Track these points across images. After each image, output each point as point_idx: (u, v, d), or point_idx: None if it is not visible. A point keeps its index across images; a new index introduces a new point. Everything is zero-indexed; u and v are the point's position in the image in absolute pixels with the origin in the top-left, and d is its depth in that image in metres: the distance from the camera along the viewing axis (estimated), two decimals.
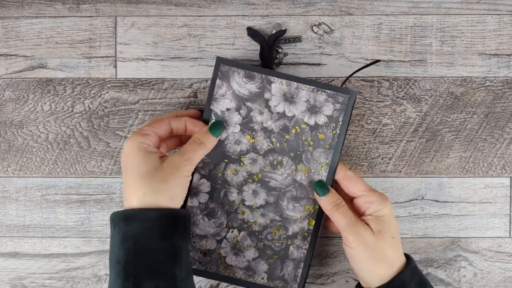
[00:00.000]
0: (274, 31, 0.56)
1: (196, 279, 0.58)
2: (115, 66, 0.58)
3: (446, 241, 0.58)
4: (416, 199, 0.58)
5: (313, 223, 0.53)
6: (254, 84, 0.52)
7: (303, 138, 0.53)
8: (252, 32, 0.56)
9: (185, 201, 0.53)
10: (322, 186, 0.51)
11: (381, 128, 0.58)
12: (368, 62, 0.57)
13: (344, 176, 0.52)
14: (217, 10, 0.57)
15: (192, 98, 0.58)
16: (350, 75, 0.54)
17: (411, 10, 0.57)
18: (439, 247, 0.58)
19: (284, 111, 0.53)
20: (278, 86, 0.52)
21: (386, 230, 0.49)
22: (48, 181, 0.58)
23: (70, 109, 0.58)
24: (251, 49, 0.57)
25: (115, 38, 0.58)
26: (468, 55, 0.57)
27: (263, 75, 0.52)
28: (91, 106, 0.58)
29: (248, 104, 0.53)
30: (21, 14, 0.58)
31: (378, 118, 0.58)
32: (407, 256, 0.51)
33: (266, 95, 0.52)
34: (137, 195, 0.46)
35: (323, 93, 0.52)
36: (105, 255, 0.58)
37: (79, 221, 0.58)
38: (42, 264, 0.58)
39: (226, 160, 0.53)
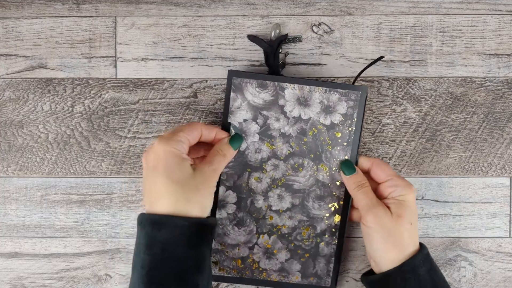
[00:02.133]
0: (273, 32, 0.56)
1: None
2: (115, 66, 0.58)
3: (446, 241, 0.58)
4: (416, 199, 0.58)
5: (339, 219, 0.55)
6: (267, 92, 0.54)
7: (321, 138, 0.54)
8: (254, 39, 0.56)
9: (214, 211, 0.55)
10: (348, 166, 0.53)
11: (381, 128, 0.58)
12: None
13: (373, 163, 0.53)
14: (217, 10, 0.57)
15: (192, 98, 0.58)
16: (360, 73, 0.54)
17: (411, 10, 0.57)
18: (439, 247, 0.58)
19: (300, 114, 0.54)
20: (291, 91, 0.53)
21: (405, 215, 0.50)
22: (48, 181, 0.58)
23: (70, 109, 0.58)
24: (251, 49, 0.57)
25: (115, 38, 0.58)
26: (468, 55, 0.57)
27: (276, 83, 0.53)
28: (91, 106, 0.58)
29: (264, 112, 0.54)
30: (21, 14, 0.58)
31: (378, 118, 0.58)
32: (421, 244, 0.52)
33: (281, 102, 0.54)
34: (168, 200, 0.47)
35: (335, 93, 0.53)
36: (105, 255, 0.58)
37: (79, 221, 0.58)
38: (42, 264, 0.58)
39: (248, 170, 0.55)
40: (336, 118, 0.54)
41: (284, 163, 0.54)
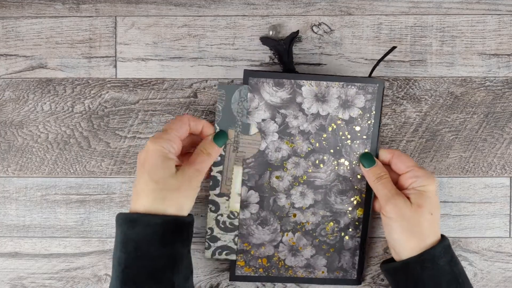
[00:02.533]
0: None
1: (196, 279, 0.58)
2: (115, 66, 0.58)
3: None
4: None
5: (362, 212, 0.55)
6: (284, 90, 0.54)
7: (340, 133, 0.54)
8: (265, 40, 0.56)
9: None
10: (367, 158, 0.53)
11: (381, 128, 0.58)
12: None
13: (393, 155, 0.53)
14: (217, 10, 0.57)
15: (192, 98, 0.58)
16: (376, 65, 0.54)
17: (411, 10, 0.57)
18: None
19: (318, 111, 0.54)
20: (308, 88, 0.53)
21: (425, 205, 0.50)
22: (48, 181, 0.58)
23: (70, 109, 0.58)
24: (251, 49, 0.57)
25: (115, 38, 0.58)
26: (468, 55, 0.57)
27: (292, 81, 0.53)
28: (91, 106, 0.58)
29: (282, 111, 0.54)
30: (21, 14, 0.58)
31: None
32: (443, 236, 0.52)
33: (298, 99, 0.54)
34: (146, 199, 0.47)
35: (353, 87, 0.53)
36: (105, 255, 0.58)
37: (79, 221, 0.58)
38: (42, 264, 0.58)
39: (269, 169, 0.55)
40: (355, 112, 0.54)
41: (305, 160, 0.54)
